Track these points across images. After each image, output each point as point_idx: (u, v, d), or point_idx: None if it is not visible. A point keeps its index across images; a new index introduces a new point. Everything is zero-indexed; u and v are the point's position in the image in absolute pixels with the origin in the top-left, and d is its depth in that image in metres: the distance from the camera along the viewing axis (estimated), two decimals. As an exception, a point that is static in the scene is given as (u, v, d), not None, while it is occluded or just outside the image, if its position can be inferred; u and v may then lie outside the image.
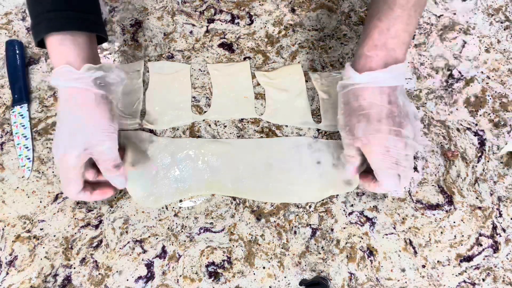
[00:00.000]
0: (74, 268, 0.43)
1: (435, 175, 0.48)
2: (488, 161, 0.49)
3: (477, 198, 0.47)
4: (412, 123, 0.40)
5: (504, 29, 0.57)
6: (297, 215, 0.46)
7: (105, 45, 0.53)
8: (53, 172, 0.46)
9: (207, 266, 0.43)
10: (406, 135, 0.38)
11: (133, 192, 0.45)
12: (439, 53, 0.55)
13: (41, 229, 0.44)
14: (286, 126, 0.50)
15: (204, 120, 0.50)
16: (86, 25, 0.40)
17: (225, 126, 0.50)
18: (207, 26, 0.56)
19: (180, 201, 0.46)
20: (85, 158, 0.39)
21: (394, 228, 0.45)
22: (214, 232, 0.45)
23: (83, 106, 0.38)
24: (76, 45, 0.38)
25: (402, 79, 0.40)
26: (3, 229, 0.44)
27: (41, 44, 0.39)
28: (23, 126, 0.48)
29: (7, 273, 0.42)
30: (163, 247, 0.44)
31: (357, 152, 0.41)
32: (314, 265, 0.43)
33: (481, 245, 0.45)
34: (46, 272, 0.42)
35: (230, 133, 0.49)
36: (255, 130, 0.50)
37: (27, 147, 0.47)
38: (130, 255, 0.43)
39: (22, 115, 0.48)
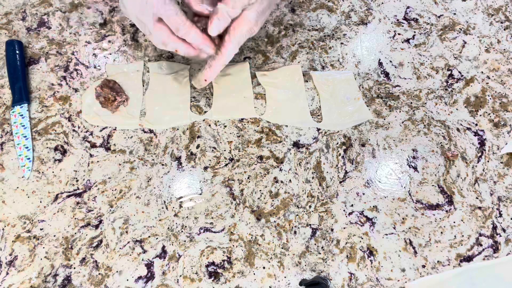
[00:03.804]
0: (74, 268, 0.43)
1: (435, 175, 0.48)
2: (488, 161, 0.49)
3: (477, 198, 0.47)
4: None
5: (504, 29, 0.57)
6: (297, 215, 0.46)
7: (105, 45, 0.54)
8: (53, 172, 0.46)
9: (207, 266, 0.43)
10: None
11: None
12: (439, 53, 0.55)
13: (41, 229, 0.44)
14: (286, 126, 0.50)
15: (204, 120, 0.50)
16: None
17: (225, 126, 0.50)
18: (207, 26, 0.56)
19: (181, 202, 0.46)
20: None
21: (394, 228, 0.45)
22: (214, 232, 0.45)
23: None
24: None
25: None
26: (3, 229, 0.44)
27: None
28: (23, 126, 0.48)
29: (7, 273, 0.42)
30: (163, 247, 0.44)
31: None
32: (314, 265, 0.43)
33: (481, 245, 0.45)
34: (46, 272, 0.42)
35: (230, 133, 0.49)
36: (255, 130, 0.50)
37: (27, 147, 0.47)
38: (130, 255, 0.43)
39: (22, 115, 0.48)
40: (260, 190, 0.47)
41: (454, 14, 0.58)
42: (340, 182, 0.47)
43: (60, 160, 0.47)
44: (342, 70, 0.54)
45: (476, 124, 0.51)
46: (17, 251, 0.43)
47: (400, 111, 0.52)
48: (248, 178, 0.47)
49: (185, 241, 0.44)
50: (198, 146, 0.49)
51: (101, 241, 0.44)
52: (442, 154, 0.49)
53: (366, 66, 0.54)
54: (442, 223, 0.46)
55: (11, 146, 0.47)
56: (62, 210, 0.45)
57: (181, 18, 0.40)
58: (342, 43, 0.56)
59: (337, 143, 0.49)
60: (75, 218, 0.45)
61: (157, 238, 0.44)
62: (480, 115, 0.51)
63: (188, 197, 0.46)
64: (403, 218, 0.46)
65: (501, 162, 0.49)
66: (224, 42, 0.43)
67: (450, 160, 0.49)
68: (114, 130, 0.49)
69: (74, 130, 0.49)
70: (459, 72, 0.54)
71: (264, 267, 0.43)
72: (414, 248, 0.45)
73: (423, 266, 0.44)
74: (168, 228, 0.45)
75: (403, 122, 0.51)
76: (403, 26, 0.58)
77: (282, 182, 0.47)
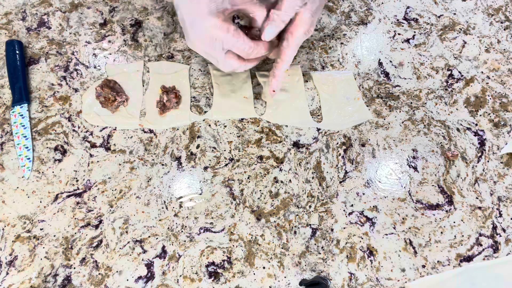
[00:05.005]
0: (74, 268, 0.43)
1: (435, 175, 0.48)
2: (488, 161, 0.49)
3: (477, 198, 0.47)
4: None
5: (504, 29, 0.57)
6: (297, 215, 0.46)
7: (105, 45, 0.53)
8: (53, 172, 0.46)
9: (207, 266, 0.43)
10: None
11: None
12: (439, 53, 0.55)
13: (41, 229, 0.44)
14: (286, 126, 0.50)
15: (204, 120, 0.50)
16: None
17: (225, 126, 0.50)
18: (207, 26, 0.56)
19: (181, 202, 0.46)
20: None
21: (394, 228, 0.45)
22: (214, 232, 0.45)
23: None
24: None
25: None
26: (3, 229, 0.44)
27: None
28: (23, 126, 0.48)
29: (7, 273, 0.42)
30: (163, 247, 0.44)
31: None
32: (314, 265, 0.43)
33: (481, 245, 0.45)
34: (46, 272, 0.42)
35: (230, 133, 0.49)
36: (255, 130, 0.50)
37: (27, 147, 0.47)
38: (130, 255, 0.43)
39: (22, 115, 0.48)
40: (260, 190, 0.47)
41: (454, 14, 0.58)
42: (340, 182, 0.47)
43: (60, 160, 0.47)
44: (342, 70, 0.54)
45: (476, 124, 0.51)
46: (17, 251, 0.43)
47: (400, 111, 0.52)
48: (248, 178, 0.47)
49: (185, 241, 0.44)
50: (198, 146, 0.49)
51: (101, 241, 0.44)
52: (442, 154, 0.49)
53: (366, 66, 0.54)
54: (442, 223, 0.46)
55: (11, 146, 0.47)
56: (62, 210, 0.45)
57: (248, 43, 0.40)
58: (342, 43, 0.56)
59: (337, 143, 0.49)
60: (75, 218, 0.45)
61: (157, 238, 0.44)
62: (480, 115, 0.51)
63: (188, 197, 0.46)
64: (403, 218, 0.46)
65: (501, 162, 0.49)
66: (283, 49, 0.43)
67: (450, 160, 0.49)
68: (114, 130, 0.49)
69: (74, 130, 0.49)
70: (459, 72, 0.54)
71: (264, 267, 0.43)
72: (414, 248, 0.45)
73: (423, 266, 0.44)
74: (168, 228, 0.45)
75: (403, 122, 0.51)
76: (403, 26, 0.58)
77: (282, 182, 0.47)
